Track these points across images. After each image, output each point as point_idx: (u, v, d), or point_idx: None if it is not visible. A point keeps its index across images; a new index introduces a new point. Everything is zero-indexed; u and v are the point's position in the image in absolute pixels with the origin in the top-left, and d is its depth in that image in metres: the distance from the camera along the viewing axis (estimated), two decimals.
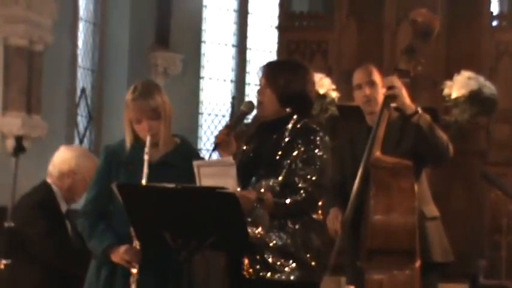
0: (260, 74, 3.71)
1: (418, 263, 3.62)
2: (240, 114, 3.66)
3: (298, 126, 3.61)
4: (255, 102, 3.69)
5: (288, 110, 3.63)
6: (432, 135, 3.75)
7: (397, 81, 3.78)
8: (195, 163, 3.46)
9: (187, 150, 3.66)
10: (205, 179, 3.38)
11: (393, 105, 3.83)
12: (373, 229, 3.60)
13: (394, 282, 3.55)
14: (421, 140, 3.74)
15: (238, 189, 3.41)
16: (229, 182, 3.35)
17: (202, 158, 3.71)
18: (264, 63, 3.82)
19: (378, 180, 3.67)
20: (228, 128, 3.59)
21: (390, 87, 3.77)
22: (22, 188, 4.51)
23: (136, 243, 3.43)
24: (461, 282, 6.17)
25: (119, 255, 3.46)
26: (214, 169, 3.41)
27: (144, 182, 3.41)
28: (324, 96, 7.08)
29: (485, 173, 6.73)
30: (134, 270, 3.42)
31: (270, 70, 3.68)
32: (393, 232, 3.60)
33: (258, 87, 3.71)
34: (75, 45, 8.68)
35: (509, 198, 6.86)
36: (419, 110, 3.77)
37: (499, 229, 6.80)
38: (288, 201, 3.48)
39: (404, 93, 3.78)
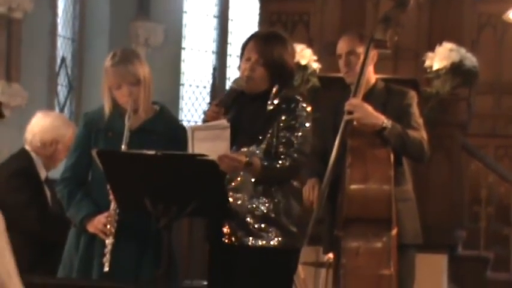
0: (248, 49, 3.61)
1: (394, 231, 3.64)
2: (230, 91, 3.61)
3: (280, 95, 3.59)
4: (241, 77, 3.62)
5: (276, 85, 3.59)
6: (403, 147, 3.75)
7: (357, 102, 3.74)
8: (190, 127, 3.48)
9: (167, 117, 3.66)
10: (199, 143, 3.39)
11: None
12: (349, 198, 3.62)
13: (371, 249, 3.57)
14: (395, 149, 3.74)
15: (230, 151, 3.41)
16: (222, 145, 3.36)
17: (182, 125, 3.70)
18: (249, 36, 3.71)
19: (354, 150, 3.69)
20: (217, 105, 3.55)
21: (350, 112, 3.73)
22: (2, 156, 4.48)
23: (113, 210, 3.42)
24: (440, 252, 6.21)
25: (94, 225, 3.48)
26: (208, 133, 3.41)
27: (124, 147, 3.41)
28: (305, 67, 7.04)
29: (466, 144, 6.76)
30: (108, 240, 3.42)
31: (263, 46, 3.58)
32: (369, 200, 3.62)
33: (245, 62, 3.60)
34: (54, 14, 8.59)
35: (489, 169, 6.90)
36: (386, 122, 3.73)
37: (479, 200, 6.84)
38: (277, 165, 3.48)
39: (367, 111, 3.73)
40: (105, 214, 3.45)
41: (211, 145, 3.35)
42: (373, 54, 3.91)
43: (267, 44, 3.60)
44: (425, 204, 4.11)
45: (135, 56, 3.57)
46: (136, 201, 3.25)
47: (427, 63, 6.75)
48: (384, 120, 3.72)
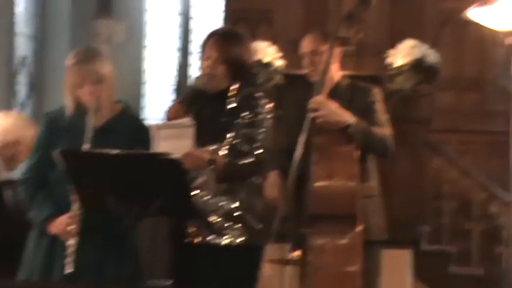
0: (208, 47, 3.65)
1: (360, 227, 3.65)
2: (193, 89, 3.64)
3: (241, 93, 3.61)
4: (202, 75, 3.65)
5: (238, 82, 3.61)
6: (367, 143, 3.77)
7: (321, 100, 3.74)
8: (154, 125, 3.52)
9: (131, 116, 3.64)
10: (163, 141, 3.41)
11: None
12: (314, 195, 3.63)
13: (336, 246, 3.59)
14: (360, 146, 3.75)
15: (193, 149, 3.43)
16: (186, 143, 3.39)
17: (145, 124, 3.68)
18: (207, 34, 3.73)
19: (319, 147, 3.70)
20: (179, 102, 3.59)
21: (314, 110, 3.73)
22: None
23: (75, 210, 3.39)
24: (404, 248, 6.26)
25: (57, 226, 3.45)
26: (172, 131, 3.44)
27: (87, 146, 3.38)
28: (269, 64, 7.05)
29: (428, 140, 6.82)
30: (71, 241, 3.38)
31: (222, 43, 3.62)
32: (334, 198, 3.64)
33: (206, 61, 3.64)
34: (15, 12, 8.49)
35: (451, 165, 6.96)
36: (350, 119, 3.73)
37: (441, 195, 6.90)
38: (240, 162, 3.49)
39: (331, 108, 3.73)
40: (68, 215, 3.42)
41: (176, 143, 3.37)
42: (338, 51, 3.92)
43: (226, 41, 3.63)
44: (389, 200, 4.13)
45: (97, 54, 3.55)
46: (100, 201, 3.23)
47: (390, 60, 6.80)
48: (348, 118, 3.74)
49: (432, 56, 6.79)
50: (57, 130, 3.56)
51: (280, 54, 7.14)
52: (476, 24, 3.57)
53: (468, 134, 7.99)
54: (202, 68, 3.67)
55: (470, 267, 6.69)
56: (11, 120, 4.35)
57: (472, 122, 8.12)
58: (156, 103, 10.28)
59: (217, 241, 3.54)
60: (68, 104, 3.55)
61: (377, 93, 3.95)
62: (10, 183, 4.25)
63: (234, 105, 3.59)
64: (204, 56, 3.66)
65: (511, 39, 3.44)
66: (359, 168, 3.71)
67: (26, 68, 8.91)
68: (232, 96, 3.61)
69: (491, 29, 3.60)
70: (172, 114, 3.55)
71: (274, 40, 8.00)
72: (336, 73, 3.98)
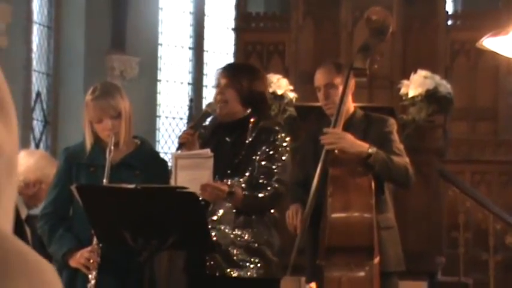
0: (218, 76, 3.73)
1: (377, 259, 3.63)
2: (204, 114, 3.69)
3: (259, 126, 3.64)
4: (214, 101, 3.72)
5: (248, 110, 3.65)
6: (389, 173, 3.73)
7: (337, 134, 3.71)
8: (174, 154, 3.52)
9: (148, 151, 3.67)
10: (181, 171, 3.41)
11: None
12: (331, 227, 3.62)
13: (353, 278, 3.57)
14: (379, 175, 3.73)
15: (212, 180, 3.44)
16: (205, 174, 3.39)
17: (163, 159, 3.70)
18: (222, 65, 3.87)
19: (335, 179, 3.69)
20: (191, 127, 3.63)
21: (330, 143, 3.69)
22: None
23: (95, 244, 3.40)
24: (420, 279, 6.21)
25: (77, 260, 3.45)
26: (191, 161, 3.44)
27: (105, 181, 3.39)
28: (282, 97, 7.07)
29: (443, 170, 6.79)
30: (92, 275, 3.39)
31: (232, 71, 3.73)
32: (351, 229, 3.62)
33: (218, 88, 3.72)
34: (29, 49, 8.57)
35: (466, 195, 6.93)
36: (370, 149, 3.69)
37: (457, 226, 6.86)
38: (258, 195, 3.50)
39: (350, 140, 3.69)
40: (88, 248, 3.43)
41: (194, 173, 3.38)
42: (352, 83, 3.92)
43: (235, 69, 3.77)
44: (405, 231, 4.12)
45: (116, 90, 3.58)
46: (117, 235, 3.23)
47: (403, 90, 6.80)
48: (368, 147, 3.72)
49: (445, 87, 6.80)
50: (76, 165, 3.58)
51: (292, 86, 7.16)
52: (490, 53, 3.57)
53: (482, 164, 7.97)
54: (214, 95, 3.77)
55: None
56: (33, 159, 4.37)
57: (487, 152, 8.09)
58: (170, 137, 10.31)
59: (234, 273, 3.53)
60: (86, 139, 3.57)
61: (393, 124, 3.95)
62: (30, 218, 4.26)
63: (251, 139, 3.62)
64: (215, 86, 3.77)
65: None
66: (376, 199, 3.69)
67: (40, 104, 8.96)
68: (250, 130, 3.64)
69: (506, 58, 3.60)
70: (185, 138, 3.57)
71: (286, 72, 8.04)
72: (350, 104, 3.98)
